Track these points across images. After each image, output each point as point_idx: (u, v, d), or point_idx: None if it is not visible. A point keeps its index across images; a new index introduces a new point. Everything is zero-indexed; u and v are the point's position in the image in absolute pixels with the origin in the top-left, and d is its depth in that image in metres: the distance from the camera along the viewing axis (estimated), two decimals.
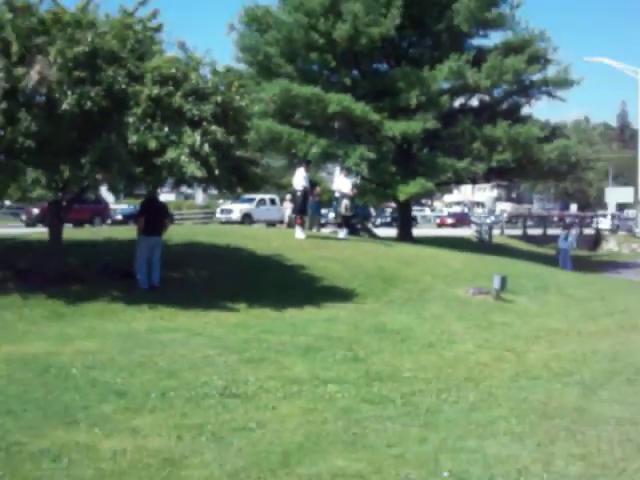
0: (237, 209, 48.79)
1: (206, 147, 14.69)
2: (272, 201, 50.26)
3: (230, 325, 13.97)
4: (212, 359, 11.09)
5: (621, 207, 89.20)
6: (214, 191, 36.47)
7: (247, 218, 46.57)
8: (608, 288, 25.03)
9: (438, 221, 70.68)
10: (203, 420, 8.08)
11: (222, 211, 51.02)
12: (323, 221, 34.98)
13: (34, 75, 13.86)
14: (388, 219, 57.62)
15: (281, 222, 41.72)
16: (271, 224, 42.17)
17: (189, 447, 7.22)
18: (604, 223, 66.45)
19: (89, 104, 13.96)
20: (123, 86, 14.47)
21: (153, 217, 17.13)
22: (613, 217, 69.31)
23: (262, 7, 34.28)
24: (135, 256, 16.82)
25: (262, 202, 49.31)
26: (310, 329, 13.84)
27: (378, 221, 54.18)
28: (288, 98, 31.32)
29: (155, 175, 15.71)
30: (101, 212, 42.76)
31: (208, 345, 11.98)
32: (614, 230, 63.84)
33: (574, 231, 46.82)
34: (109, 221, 43.29)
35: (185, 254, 19.74)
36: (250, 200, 48.55)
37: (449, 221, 69.26)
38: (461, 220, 70.03)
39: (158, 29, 16.31)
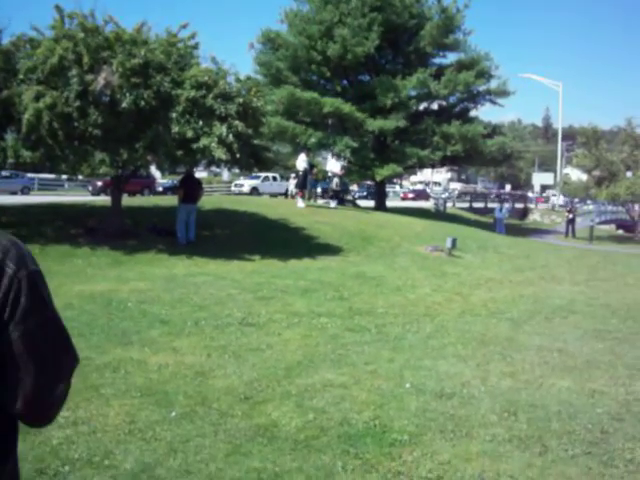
0: (247, 184, 48.89)
1: (230, 137, 14.79)
2: (274, 178, 50.25)
3: (247, 271, 13.99)
4: (233, 297, 11.15)
5: (544, 188, 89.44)
6: (236, 170, 36.80)
7: (255, 191, 46.62)
8: (532, 248, 25.12)
9: (402, 195, 70.34)
10: (226, 342, 8.16)
11: (236, 185, 50.91)
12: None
13: (101, 81, 14.02)
14: (364, 193, 57.34)
15: (282, 194, 42.64)
16: (273, 195, 42.35)
17: (216, 363, 7.29)
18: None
19: (142, 103, 14.18)
20: (168, 90, 14.62)
21: (189, 189, 17.26)
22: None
23: (274, 31, 34.29)
24: (176, 219, 16.87)
25: (266, 179, 49.26)
26: (307, 275, 13.89)
27: (357, 195, 53.79)
28: (293, 100, 31.44)
29: (191, 157, 15.93)
30: (149, 185, 42.57)
31: (230, 286, 12.03)
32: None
33: (507, 205, 46.89)
34: (154, 192, 43.18)
35: (214, 217, 19.75)
36: (257, 177, 48.62)
37: (410, 195, 68.65)
38: (419, 195, 69.85)
39: (195, 47, 16.46)
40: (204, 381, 6.65)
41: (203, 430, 5.39)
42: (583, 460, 5.18)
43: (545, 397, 6.70)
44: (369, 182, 49.51)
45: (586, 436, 5.67)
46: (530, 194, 77.08)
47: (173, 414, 5.69)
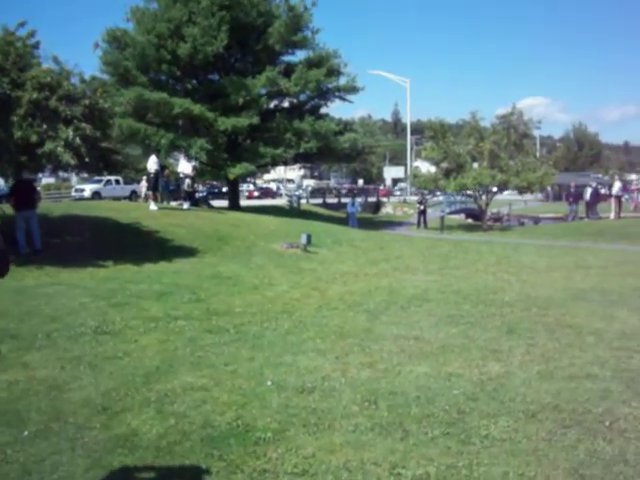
0: (88, 188, 46.50)
1: (77, 140, 14.27)
2: (117, 181, 48.07)
3: (100, 278, 13.55)
4: (87, 305, 10.77)
5: (395, 181, 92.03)
6: (85, 175, 35.58)
7: (97, 195, 44.31)
8: (386, 241, 25.69)
9: (247, 194, 69.75)
10: (81, 353, 7.87)
11: (76, 190, 48.38)
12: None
13: None
14: (204, 193, 55.90)
15: (126, 197, 41.97)
16: (117, 199, 39.74)
17: (70, 375, 7.02)
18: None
19: None
20: (7, 91, 13.86)
21: (23, 195, 16.24)
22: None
23: (121, 29, 33.38)
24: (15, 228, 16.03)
25: (109, 182, 47.02)
26: (163, 279, 13.62)
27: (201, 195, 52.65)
28: (142, 102, 30.87)
29: (37, 163, 15.23)
30: None
31: (83, 295, 11.59)
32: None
33: (359, 199, 47.88)
34: None
35: (63, 224, 18.94)
36: (99, 181, 46.43)
37: (255, 194, 67.77)
38: (265, 193, 69.74)
39: (36, 46, 15.68)
40: (59, 395, 6.37)
41: (59, 447, 5.16)
42: (442, 441, 5.39)
43: (404, 384, 6.89)
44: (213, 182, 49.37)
45: (444, 418, 5.89)
46: (382, 188, 78.93)
47: (26, 433, 5.42)
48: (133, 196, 43.72)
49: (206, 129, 32.96)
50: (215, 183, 58.42)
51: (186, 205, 26.11)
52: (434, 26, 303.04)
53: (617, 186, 36.39)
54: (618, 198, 36.11)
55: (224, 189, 60.00)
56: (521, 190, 40.98)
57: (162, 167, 27.95)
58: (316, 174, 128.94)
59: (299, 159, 40.31)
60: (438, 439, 5.41)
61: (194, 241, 18.95)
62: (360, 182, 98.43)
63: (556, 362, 7.75)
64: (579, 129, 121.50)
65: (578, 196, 40.04)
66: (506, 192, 44.99)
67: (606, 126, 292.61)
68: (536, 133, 58.54)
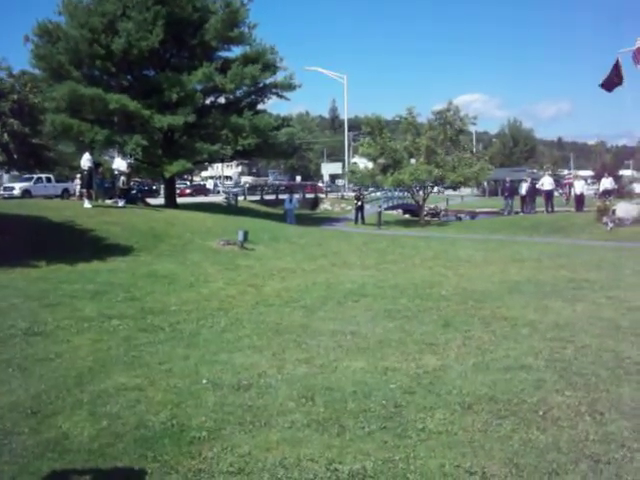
0: (17, 187, 43.78)
1: (5, 136, 13.85)
2: (48, 179, 45.02)
3: (32, 278, 13.18)
4: (17, 306, 10.47)
5: (333, 178, 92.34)
6: (16, 172, 34.70)
7: (27, 193, 42.29)
8: (324, 237, 25.77)
9: (178, 192, 68.06)
10: (10, 356, 7.64)
11: (5, 188, 44.60)
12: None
13: None
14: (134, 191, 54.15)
15: (57, 196, 40.45)
16: (48, 197, 38.81)
17: None
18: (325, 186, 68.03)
19: None
20: None
21: None
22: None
23: (53, 22, 32.54)
24: None
25: (39, 180, 44.23)
26: (97, 278, 13.35)
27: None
28: (75, 97, 30.17)
29: None
30: None
31: (14, 295, 11.26)
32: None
33: (297, 195, 47.84)
34: None
35: None
36: (29, 179, 44.04)
37: (187, 191, 65.29)
38: (198, 190, 68.53)
39: None
40: None
41: None
42: (379, 435, 5.40)
43: (340, 379, 6.89)
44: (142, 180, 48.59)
45: (381, 412, 5.90)
46: (320, 184, 78.99)
47: None
48: (65, 194, 42.62)
49: (142, 126, 32.50)
50: (146, 180, 57.45)
51: (121, 203, 25.73)
52: (371, 22, 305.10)
53: (547, 181, 37.19)
54: (548, 193, 36.91)
55: (154, 187, 59.39)
56: (455, 186, 41.56)
57: (96, 164, 27.60)
58: (254, 171, 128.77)
59: (237, 156, 40.09)
60: (375, 433, 5.42)
61: (129, 239, 18.63)
62: (298, 178, 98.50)
63: (491, 354, 7.86)
64: (514, 125, 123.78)
65: (513, 191, 40.82)
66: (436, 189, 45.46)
67: (540, 122, 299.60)
68: (472, 129, 59.60)
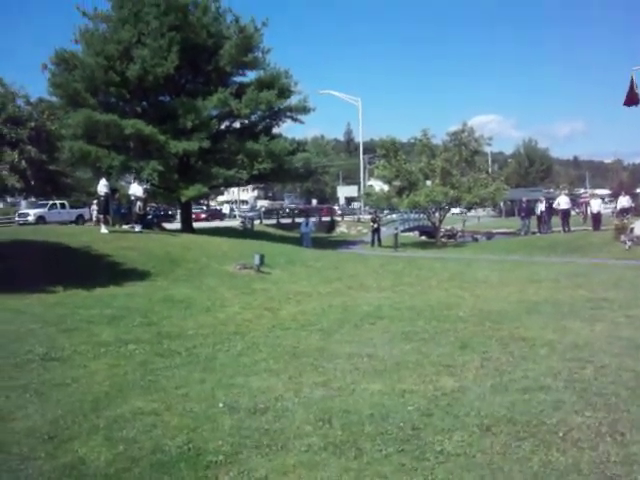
0: (32, 213, 44.62)
1: (23, 163, 14.00)
2: (62, 205, 45.98)
3: (50, 304, 13.23)
4: (35, 332, 10.50)
5: (349, 200, 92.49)
6: (33, 198, 34.94)
7: (41, 220, 42.59)
8: (340, 260, 25.73)
9: (194, 216, 67.86)
10: (27, 381, 7.65)
11: (20, 215, 46.28)
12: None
13: None
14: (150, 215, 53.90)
15: (72, 222, 40.83)
16: (63, 223, 38.49)
17: (15, 404, 6.82)
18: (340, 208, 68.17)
19: None
20: None
21: None
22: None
23: (69, 51, 32.95)
24: None
25: (54, 206, 45.14)
26: (114, 303, 13.40)
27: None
28: (91, 124, 30.45)
29: None
30: None
31: (31, 321, 11.30)
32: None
33: (313, 219, 47.91)
34: None
35: (10, 249, 18.53)
36: (44, 205, 44.83)
37: (203, 216, 64.58)
38: (213, 215, 68.33)
39: None
40: (2, 425, 6.18)
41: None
42: (396, 458, 5.36)
43: (358, 402, 6.85)
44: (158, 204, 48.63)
45: (398, 434, 5.86)
46: (336, 207, 79.06)
47: None
48: (79, 220, 42.80)
49: (157, 151, 32.74)
50: (162, 205, 57.63)
51: (138, 228, 25.85)
52: (384, 44, 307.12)
53: (563, 201, 37.03)
54: (564, 212, 36.75)
55: (170, 212, 59.51)
56: (469, 207, 41.49)
57: (113, 190, 27.75)
58: (270, 195, 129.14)
59: (252, 180, 40.19)
60: (392, 456, 5.37)
61: (146, 264, 18.70)
62: (314, 202, 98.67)
63: (510, 375, 7.80)
64: (529, 145, 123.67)
65: (530, 211, 40.66)
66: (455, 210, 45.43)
67: (556, 142, 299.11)
68: (487, 149, 59.52)
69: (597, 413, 6.33)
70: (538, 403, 6.67)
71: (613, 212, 41.32)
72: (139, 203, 26.82)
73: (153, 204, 49.94)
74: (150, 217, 37.89)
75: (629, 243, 26.27)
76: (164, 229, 33.85)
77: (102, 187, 24.51)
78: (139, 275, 17.39)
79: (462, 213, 47.28)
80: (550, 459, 5.26)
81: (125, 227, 28.11)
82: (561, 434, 5.79)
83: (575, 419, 6.17)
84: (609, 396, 6.85)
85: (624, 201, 35.29)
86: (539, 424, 6.05)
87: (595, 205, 35.97)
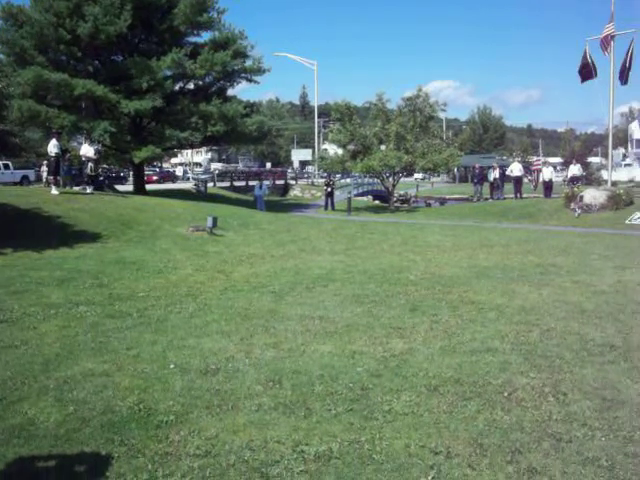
0: None
1: None
2: (6, 166, 42.76)
3: None
4: None
5: (303, 164, 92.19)
6: None
7: None
8: (293, 223, 25.69)
9: (146, 178, 66.71)
10: None
11: None
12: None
13: None
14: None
15: (16, 183, 39.01)
16: (6, 185, 35.99)
17: None
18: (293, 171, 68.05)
19: None
20: None
21: None
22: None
23: (17, 6, 31.98)
24: None
25: None
26: (64, 265, 13.26)
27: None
28: (41, 82, 29.70)
29: None
30: None
31: None
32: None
33: (267, 182, 47.66)
34: None
35: None
36: None
37: (154, 178, 63.42)
38: (165, 177, 67.33)
39: None
40: None
41: None
42: (345, 417, 5.45)
43: (308, 363, 6.93)
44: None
45: (348, 395, 5.96)
46: (290, 170, 78.72)
47: None
48: (24, 182, 41.70)
49: (109, 111, 32.20)
50: (114, 167, 56.74)
51: (89, 190, 25.44)
52: (342, 8, 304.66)
53: (516, 168, 37.50)
54: (517, 179, 37.24)
55: (122, 174, 58.69)
56: (429, 172, 41.68)
57: (64, 151, 27.24)
58: (224, 157, 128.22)
59: (206, 142, 39.85)
60: (341, 416, 5.47)
61: (97, 226, 18.51)
62: (268, 165, 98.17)
63: (458, 337, 7.95)
64: (484, 112, 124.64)
65: (483, 177, 41.06)
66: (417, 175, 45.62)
67: (511, 109, 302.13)
68: (442, 115, 59.80)
69: (541, 374, 6.51)
70: (485, 364, 6.83)
71: (564, 180, 41.94)
72: (90, 164, 26.34)
73: (105, 166, 49.05)
74: (102, 179, 37.22)
75: (579, 211, 26.80)
76: (116, 191, 33.37)
77: (52, 147, 23.97)
78: (90, 237, 17.21)
79: (425, 178, 47.51)
80: (495, 418, 5.41)
81: (76, 189, 27.68)
82: (506, 394, 5.95)
83: (520, 380, 6.34)
84: (553, 358, 7.04)
85: (575, 169, 35.87)
86: (485, 384, 6.21)
87: (547, 173, 36.49)
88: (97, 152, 27.92)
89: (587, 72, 30.42)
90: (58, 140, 24.68)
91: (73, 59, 33.48)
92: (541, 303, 10.04)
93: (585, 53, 30.27)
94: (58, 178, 24.55)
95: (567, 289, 11.24)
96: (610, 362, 6.91)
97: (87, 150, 26.52)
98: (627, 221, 24.68)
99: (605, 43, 29.08)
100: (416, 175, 45.01)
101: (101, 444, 4.91)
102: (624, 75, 29.28)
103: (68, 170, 29.04)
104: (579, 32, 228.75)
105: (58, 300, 10.09)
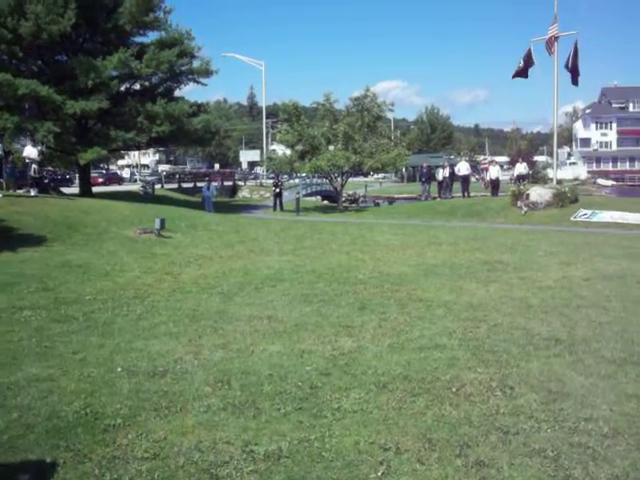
0: None
1: None
2: None
3: None
4: None
5: (252, 165, 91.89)
6: None
7: None
8: (242, 224, 25.60)
9: (92, 180, 65.45)
10: None
11: None
12: None
13: None
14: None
15: None
16: None
17: None
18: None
19: None
20: None
21: None
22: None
23: None
24: None
25: None
26: (8, 269, 12.99)
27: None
28: None
29: None
30: None
31: None
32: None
33: (215, 183, 47.35)
34: None
35: None
36: None
37: (100, 180, 61.03)
38: (111, 179, 66.39)
39: None
40: None
41: None
42: (295, 416, 5.46)
43: (257, 363, 6.92)
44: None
45: (297, 394, 5.97)
46: (238, 171, 78.37)
47: None
48: None
49: (54, 112, 31.59)
50: (60, 169, 55.80)
51: (33, 192, 25.01)
52: (288, 7, 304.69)
53: (464, 167, 37.94)
54: (464, 178, 37.68)
55: (67, 176, 57.73)
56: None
57: (6, 152, 26.71)
58: (172, 159, 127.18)
59: (153, 143, 39.38)
60: (290, 415, 5.47)
61: (42, 229, 18.17)
62: (216, 166, 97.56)
63: (407, 334, 8.03)
64: (432, 112, 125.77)
65: (431, 176, 41.41)
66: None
67: (458, 109, 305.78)
68: (390, 115, 60.12)
69: (489, 369, 6.61)
70: (433, 361, 6.90)
71: (511, 179, 42.59)
72: (34, 166, 25.92)
73: (50, 168, 48.18)
74: (46, 181, 36.60)
75: (525, 209, 27.24)
76: (62, 193, 32.80)
77: None
78: (35, 240, 16.88)
79: (384, 178, 47.59)
80: (443, 413, 5.47)
81: (20, 191, 27.14)
82: (454, 389, 6.02)
83: (468, 375, 6.42)
84: (500, 353, 7.16)
85: (521, 168, 36.50)
86: (433, 380, 6.28)
87: (493, 172, 36.96)
88: (41, 153, 27.47)
89: (522, 71, 31.08)
90: (1, 142, 24.23)
91: (15, 59, 32.74)
92: (488, 299, 10.20)
93: (529, 52, 30.85)
94: (1, 181, 24.05)
95: (514, 285, 11.44)
96: (555, 355, 7.05)
97: (30, 152, 26.09)
98: (572, 218, 25.22)
99: (550, 44, 29.66)
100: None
101: (46, 450, 4.83)
102: (575, 77, 30.03)
103: (11, 172, 28.40)
104: (524, 33, 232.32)
105: (1, 305, 9.89)
